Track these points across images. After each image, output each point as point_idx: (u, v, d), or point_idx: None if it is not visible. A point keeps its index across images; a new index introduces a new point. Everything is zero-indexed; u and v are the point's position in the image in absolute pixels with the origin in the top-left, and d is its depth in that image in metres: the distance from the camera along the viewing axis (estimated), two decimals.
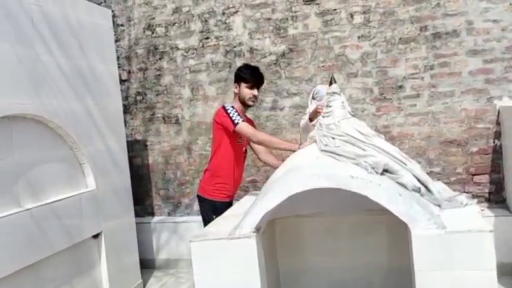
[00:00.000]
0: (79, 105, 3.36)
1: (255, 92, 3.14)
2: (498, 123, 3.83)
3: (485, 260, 1.82)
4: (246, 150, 3.30)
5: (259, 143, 3.13)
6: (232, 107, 3.08)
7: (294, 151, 2.75)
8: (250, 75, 3.12)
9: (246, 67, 3.27)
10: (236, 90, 3.16)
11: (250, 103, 3.16)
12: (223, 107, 3.09)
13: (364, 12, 4.07)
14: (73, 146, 3.29)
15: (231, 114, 3.00)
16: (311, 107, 3.21)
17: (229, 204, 3.15)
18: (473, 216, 2.01)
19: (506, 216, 3.67)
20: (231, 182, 3.18)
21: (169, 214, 4.74)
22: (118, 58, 4.50)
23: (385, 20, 4.02)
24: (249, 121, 3.30)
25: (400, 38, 3.98)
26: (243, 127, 2.98)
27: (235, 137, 3.10)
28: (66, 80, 3.24)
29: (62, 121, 3.14)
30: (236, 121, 2.97)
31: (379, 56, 4.05)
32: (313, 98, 3.24)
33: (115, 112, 3.86)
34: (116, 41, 4.60)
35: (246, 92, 3.11)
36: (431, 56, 3.92)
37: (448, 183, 3.62)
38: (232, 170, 3.15)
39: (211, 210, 3.14)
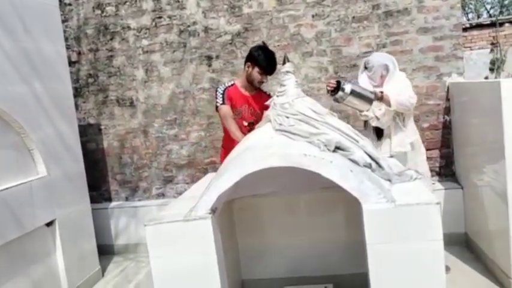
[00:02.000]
0: (25, 89, 3.21)
1: (264, 78, 3.21)
2: (448, 99, 3.96)
3: (433, 231, 1.87)
4: (251, 123, 3.24)
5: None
6: (225, 89, 3.18)
7: None
8: (266, 66, 3.11)
9: (264, 51, 3.13)
10: (248, 70, 3.18)
11: (257, 85, 3.25)
12: (217, 88, 3.25)
13: None
14: (20, 131, 3.14)
15: (217, 97, 3.19)
16: (362, 78, 3.03)
17: None
18: (422, 190, 2.07)
19: (455, 189, 3.83)
20: None
21: (126, 199, 4.65)
22: (67, 39, 4.31)
23: None
24: (259, 96, 3.27)
25: (354, 17, 4.01)
26: (220, 110, 3.15)
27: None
28: (9, 62, 3.07)
29: (6, 106, 2.99)
30: (217, 104, 3.17)
31: (333, 34, 4.07)
32: (365, 68, 3.02)
33: (65, 95, 3.71)
34: (64, 21, 4.40)
35: (257, 76, 3.16)
36: (384, 34, 3.98)
37: None
38: (234, 142, 3.17)
39: None
